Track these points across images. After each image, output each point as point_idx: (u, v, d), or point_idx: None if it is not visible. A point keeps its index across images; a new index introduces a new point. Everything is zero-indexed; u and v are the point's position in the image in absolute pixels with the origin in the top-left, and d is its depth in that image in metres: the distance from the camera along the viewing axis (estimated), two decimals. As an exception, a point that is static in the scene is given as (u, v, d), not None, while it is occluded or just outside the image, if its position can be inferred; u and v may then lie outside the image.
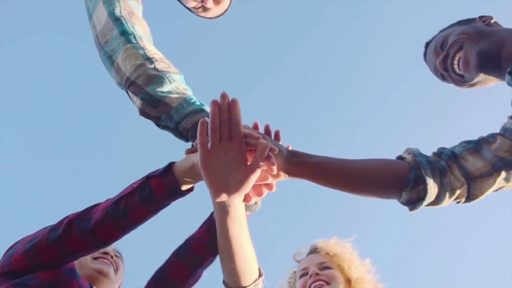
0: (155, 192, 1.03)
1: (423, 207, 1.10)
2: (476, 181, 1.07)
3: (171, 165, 1.07)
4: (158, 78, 1.17)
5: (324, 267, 1.51)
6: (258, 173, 0.98)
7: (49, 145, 4.36)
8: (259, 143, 0.98)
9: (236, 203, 1.01)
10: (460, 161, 1.09)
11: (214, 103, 0.95)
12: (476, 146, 1.11)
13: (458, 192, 1.07)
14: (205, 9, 1.50)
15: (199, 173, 1.00)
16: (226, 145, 0.97)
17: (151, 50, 1.23)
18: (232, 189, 0.98)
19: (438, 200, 1.08)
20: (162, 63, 1.21)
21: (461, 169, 1.08)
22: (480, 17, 1.34)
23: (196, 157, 1.01)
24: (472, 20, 1.35)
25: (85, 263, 1.34)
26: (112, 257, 1.40)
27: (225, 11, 1.57)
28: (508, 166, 1.06)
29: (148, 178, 1.05)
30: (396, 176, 1.07)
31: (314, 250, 1.62)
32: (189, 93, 1.20)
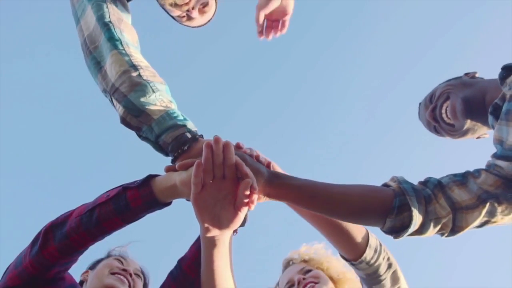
0: (130, 204, 1.03)
1: (407, 236, 1.07)
2: (462, 212, 1.06)
3: (149, 178, 1.06)
4: (141, 86, 1.14)
5: (306, 270, 1.49)
6: (245, 209, 1.00)
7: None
8: (242, 183, 0.98)
9: (225, 238, 1.04)
10: (447, 191, 1.08)
11: (208, 146, 0.97)
12: (462, 179, 1.11)
13: (443, 221, 1.06)
14: (189, 18, 1.49)
15: (179, 192, 1.03)
16: (219, 184, 0.99)
17: (137, 57, 1.21)
18: (223, 226, 1.00)
19: (422, 229, 1.06)
20: (147, 71, 1.19)
21: (447, 199, 1.07)
22: (466, 73, 1.41)
23: (177, 177, 1.03)
24: (459, 77, 1.41)
25: (101, 276, 1.35)
26: (131, 275, 1.38)
27: (209, 20, 1.56)
28: (493, 198, 1.05)
29: (125, 189, 1.04)
30: (381, 202, 1.06)
31: (288, 264, 1.60)
32: (173, 106, 1.18)
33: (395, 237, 1.08)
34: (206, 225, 0.99)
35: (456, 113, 1.30)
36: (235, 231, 1.12)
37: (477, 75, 1.41)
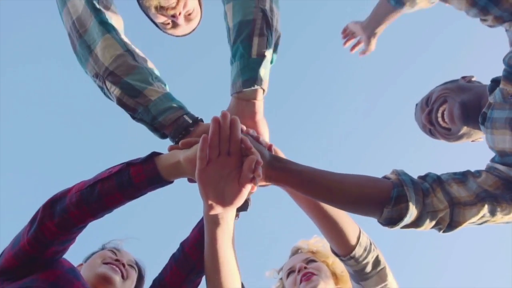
0: (133, 179, 1.01)
1: (403, 228, 1.08)
2: (460, 207, 1.06)
3: (153, 155, 1.05)
4: (138, 69, 1.15)
5: (309, 261, 1.52)
6: (249, 186, 0.99)
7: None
8: (248, 158, 0.98)
9: (229, 216, 1.03)
10: (445, 186, 1.09)
11: (215, 121, 0.96)
12: (462, 177, 1.11)
13: (439, 215, 1.06)
14: (174, 25, 1.45)
15: (183, 170, 1.02)
16: (224, 160, 0.99)
17: (130, 43, 1.21)
18: (227, 202, 0.99)
19: (419, 221, 1.06)
20: (140, 56, 1.20)
21: (445, 193, 1.07)
22: (463, 77, 1.39)
23: (181, 155, 1.03)
24: (456, 80, 1.40)
25: (93, 266, 1.33)
26: (124, 265, 1.37)
27: (194, 29, 1.53)
28: (492, 198, 1.05)
29: (128, 165, 1.03)
30: (379, 192, 1.06)
31: (295, 252, 1.62)
32: (167, 89, 1.19)
33: (391, 227, 1.08)
34: (210, 202, 0.98)
35: (453, 118, 1.29)
36: (237, 215, 1.12)
37: (474, 79, 1.40)
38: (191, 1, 1.42)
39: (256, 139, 1.09)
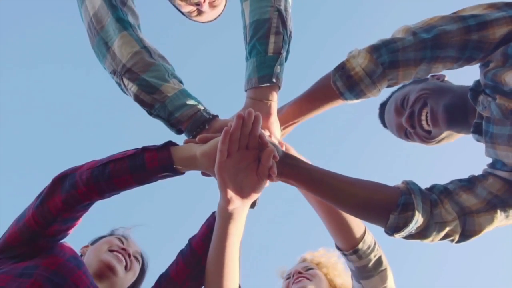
0: (147, 164, 1.03)
1: (409, 239, 1.07)
2: (473, 216, 1.04)
3: (169, 144, 1.07)
4: (155, 66, 1.17)
5: (308, 269, 1.52)
6: (265, 179, 1.04)
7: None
8: (265, 151, 1.02)
9: (244, 212, 1.07)
10: (454, 196, 1.07)
11: (240, 117, 0.99)
12: (469, 184, 1.10)
13: (448, 227, 1.04)
14: (200, 12, 1.46)
15: (198, 164, 1.05)
16: (242, 153, 1.02)
17: (146, 40, 1.22)
18: (245, 195, 1.03)
19: (426, 231, 1.05)
20: (157, 53, 1.21)
21: (455, 204, 1.06)
22: (433, 75, 1.32)
23: (198, 149, 1.05)
24: (425, 79, 1.32)
25: (99, 252, 1.31)
26: (129, 255, 1.35)
27: (219, 15, 1.54)
28: (503, 204, 1.04)
29: (144, 149, 1.05)
30: (386, 198, 1.06)
31: (300, 262, 1.62)
32: (183, 86, 1.21)
33: (397, 235, 1.06)
34: (229, 195, 1.01)
35: (437, 121, 1.23)
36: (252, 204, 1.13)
37: (446, 78, 1.34)
38: None
39: (269, 137, 1.12)
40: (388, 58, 1.09)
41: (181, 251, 1.23)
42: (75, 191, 1.02)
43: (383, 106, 1.45)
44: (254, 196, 1.05)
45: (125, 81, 1.17)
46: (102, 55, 1.20)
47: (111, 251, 1.32)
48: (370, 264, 1.22)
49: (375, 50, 1.10)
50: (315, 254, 1.62)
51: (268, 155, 1.01)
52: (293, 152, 1.19)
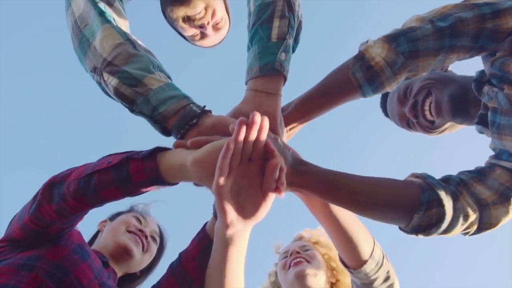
0: (132, 177, 0.89)
1: (436, 235, 1.00)
2: (489, 208, 1.01)
3: (157, 151, 0.91)
4: (138, 57, 1.02)
5: (305, 249, 1.47)
6: (273, 196, 0.84)
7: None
8: (270, 164, 0.83)
9: (247, 233, 0.90)
10: (470, 187, 1.03)
11: (242, 124, 0.79)
12: (479, 176, 1.06)
13: (470, 220, 1.00)
14: (203, 36, 1.41)
15: (188, 174, 0.87)
16: (244, 167, 0.83)
17: (131, 34, 1.10)
18: (248, 216, 0.84)
19: (449, 227, 1.00)
20: (142, 46, 1.09)
21: (472, 196, 1.02)
22: None
23: (188, 156, 0.86)
24: None
25: (116, 233, 1.30)
26: (146, 237, 1.34)
27: (223, 39, 1.48)
28: None
29: (128, 159, 0.90)
30: (408, 197, 0.98)
31: (298, 239, 1.59)
32: (171, 81, 1.06)
33: (421, 235, 1.00)
34: (229, 218, 0.82)
35: (441, 111, 1.21)
36: None
37: (449, 68, 1.32)
38: (220, 10, 1.37)
39: (275, 140, 0.95)
40: (408, 47, 1.02)
41: (171, 266, 1.18)
42: (64, 203, 0.94)
43: (385, 95, 1.43)
44: (259, 217, 0.85)
45: (105, 76, 1.02)
46: (83, 53, 1.07)
47: (128, 231, 1.32)
48: (378, 280, 1.14)
49: (393, 39, 1.04)
50: (313, 232, 1.57)
51: (273, 168, 0.82)
52: (298, 155, 1.04)
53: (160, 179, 0.89)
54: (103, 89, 1.08)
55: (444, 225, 0.98)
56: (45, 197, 0.96)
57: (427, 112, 1.26)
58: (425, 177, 1.04)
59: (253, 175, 0.84)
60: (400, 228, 1.03)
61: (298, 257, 1.41)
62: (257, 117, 0.80)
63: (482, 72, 1.14)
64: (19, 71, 4.33)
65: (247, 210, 0.84)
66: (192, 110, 0.97)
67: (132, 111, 1.02)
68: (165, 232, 1.48)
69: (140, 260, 1.32)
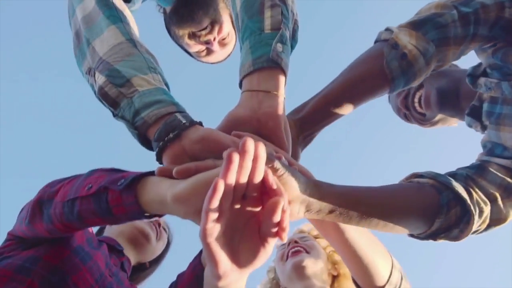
0: (112, 210, 0.77)
1: (449, 239, 0.92)
2: (497, 202, 0.94)
3: (135, 182, 0.75)
4: (134, 56, 0.87)
5: (305, 240, 1.40)
6: (274, 241, 0.66)
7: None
8: (269, 204, 0.64)
9: (242, 283, 0.72)
10: (478, 182, 0.97)
11: (233, 155, 0.59)
12: (479, 171, 1.00)
13: (484, 215, 0.92)
14: (209, 52, 1.36)
15: (170, 211, 0.72)
16: (237, 208, 0.66)
17: (137, 36, 0.96)
18: (243, 264, 0.67)
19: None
20: (144, 47, 0.94)
21: (481, 190, 0.95)
22: None
23: (169, 190, 0.69)
24: None
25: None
26: (159, 224, 1.36)
27: (229, 55, 1.43)
28: None
29: (106, 188, 0.77)
30: (428, 202, 0.89)
31: (298, 232, 1.52)
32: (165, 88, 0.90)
33: (443, 239, 0.92)
34: (221, 269, 0.64)
35: (429, 104, 1.23)
36: None
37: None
38: (226, 25, 1.32)
39: (278, 159, 0.72)
40: (436, 34, 0.91)
41: (170, 286, 1.15)
42: (52, 226, 0.88)
43: None
44: (257, 264, 0.67)
45: (96, 75, 0.87)
46: (82, 56, 0.94)
47: None
48: None
49: (420, 25, 0.93)
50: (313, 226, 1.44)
51: (273, 210, 0.63)
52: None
53: (141, 214, 0.75)
54: (94, 92, 0.90)
55: (478, 223, 0.91)
56: (35, 215, 0.90)
57: (416, 105, 1.28)
58: (435, 176, 0.94)
59: (249, 214, 0.67)
60: (411, 236, 0.93)
61: (296, 246, 1.33)
62: (249, 144, 0.60)
63: (476, 67, 1.14)
64: (19, 72, 4.34)
65: (242, 257, 0.67)
66: (177, 119, 0.78)
67: (114, 115, 0.86)
68: (170, 228, 1.50)
69: (155, 246, 1.33)
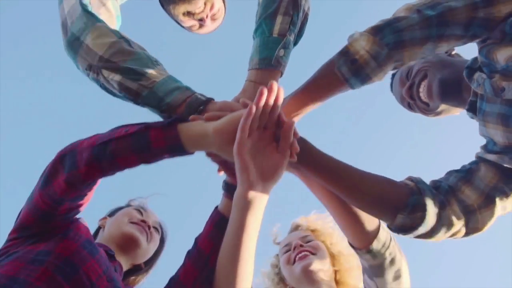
0: (152, 144, 0.93)
1: (414, 237, 1.06)
2: (475, 213, 1.04)
3: (176, 121, 0.97)
4: (136, 54, 1.08)
5: (307, 240, 1.48)
6: (288, 156, 0.96)
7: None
8: (286, 125, 0.95)
9: (265, 198, 0.97)
10: (458, 195, 1.06)
11: (263, 91, 0.90)
12: (467, 175, 1.09)
13: (454, 228, 1.04)
14: (201, 26, 1.46)
15: (209, 142, 0.95)
16: (261, 133, 0.96)
17: (122, 32, 1.14)
18: (267, 176, 0.94)
19: (432, 233, 1.04)
20: (137, 44, 1.14)
21: (460, 203, 1.05)
22: None
23: (210, 126, 0.95)
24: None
25: (120, 224, 1.30)
26: (149, 227, 1.34)
27: (218, 27, 1.53)
28: (500, 192, 1.05)
29: (148, 127, 0.95)
30: (396, 196, 1.04)
31: (295, 228, 1.59)
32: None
33: (403, 235, 1.06)
34: (251, 177, 0.92)
35: (432, 95, 1.25)
36: None
37: (454, 52, 1.35)
38: (217, 2, 1.43)
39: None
40: (393, 38, 1.03)
41: (188, 252, 1.18)
42: (76, 171, 0.96)
43: (394, 76, 1.47)
44: (276, 178, 0.95)
45: (105, 72, 1.07)
46: (74, 51, 1.10)
47: (131, 222, 1.32)
48: (385, 263, 1.17)
49: (378, 31, 1.05)
50: (309, 219, 1.58)
51: (289, 129, 0.94)
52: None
53: (180, 147, 0.95)
54: (101, 85, 1.12)
55: (423, 230, 1.03)
56: (57, 169, 0.98)
57: (422, 94, 1.29)
58: (417, 182, 1.07)
59: (268, 140, 0.96)
60: (387, 226, 1.09)
61: (302, 250, 1.42)
62: (275, 85, 0.91)
63: (475, 59, 1.15)
64: (19, 74, 4.34)
65: (265, 171, 0.94)
66: (198, 98, 1.07)
67: (137, 103, 1.09)
68: (165, 225, 1.50)
69: (146, 249, 1.33)
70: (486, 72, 1.06)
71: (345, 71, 1.06)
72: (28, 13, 4.23)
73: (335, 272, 1.45)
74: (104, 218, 1.43)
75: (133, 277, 1.37)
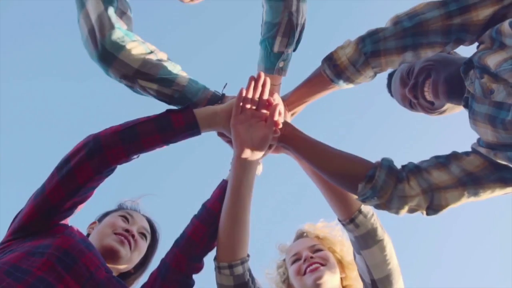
0: (174, 124, 1.18)
1: (379, 209, 1.20)
2: (440, 191, 1.13)
3: (190, 106, 1.24)
4: (163, 66, 1.35)
5: (316, 249, 1.49)
6: (272, 130, 1.25)
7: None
8: (273, 106, 1.27)
9: (255, 163, 1.26)
10: (423, 174, 1.16)
11: (252, 78, 1.27)
12: (445, 161, 1.17)
13: (410, 202, 1.15)
14: None
15: (218, 121, 1.25)
16: (253, 111, 1.26)
17: (148, 44, 1.37)
18: (255, 145, 1.24)
19: (389, 203, 1.16)
20: (160, 54, 1.37)
21: (423, 181, 1.15)
22: None
23: (218, 107, 1.28)
24: None
25: (103, 236, 1.32)
26: (133, 236, 1.35)
27: None
28: (474, 182, 1.12)
29: (168, 112, 1.21)
30: (358, 169, 1.21)
31: (301, 235, 1.60)
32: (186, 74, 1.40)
33: (365, 203, 1.22)
34: (242, 144, 1.23)
35: (437, 94, 1.24)
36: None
37: (452, 51, 1.31)
38: None
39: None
40: (370, 48, 1.19)
41: (195, 215, 1.33)
42: (103, 153, 1.10)
43: (391, 76, 1.47)
44: (264, 146, 1.25)
45: (143, 82, 1.33)
46: (108, 63, 1.29)
47: (115, 233, 1.33)
48: (368, 233, 1.30)
49: (361, 40, 1.22)
50: (316, 227, 1.59)
51: (275, 108, 1.26)
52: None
53: (196, 126, 1.22)
54: (134, 90, 1.38)
55: (377, 199, 1.16)
56: (80, 158, 1.10)
57: (426, 93, 1.28)
58: (383, 159, 1.21)
59: (258, 119, 1.26)
60: (357, 199, 1.23)
61: (313, 263, 1.44)
62: (262, 74, 1.28)
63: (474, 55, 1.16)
64: (19, 75, 4.34)
65: (254, 140, 1.24)
66: (216, 96, 1.40)
67: (169, 103, 1.37)
68: (157, 225, 1.49)
69: (129, 259, 1.34)
70: (478, 73, 1.09)
71: (329, 73, 1.27)
72: (28, 13, 4.23)
73: (342, 279, 1.48)
74: (94, 222, 1.45)
75: (124, 282, 1.36)
